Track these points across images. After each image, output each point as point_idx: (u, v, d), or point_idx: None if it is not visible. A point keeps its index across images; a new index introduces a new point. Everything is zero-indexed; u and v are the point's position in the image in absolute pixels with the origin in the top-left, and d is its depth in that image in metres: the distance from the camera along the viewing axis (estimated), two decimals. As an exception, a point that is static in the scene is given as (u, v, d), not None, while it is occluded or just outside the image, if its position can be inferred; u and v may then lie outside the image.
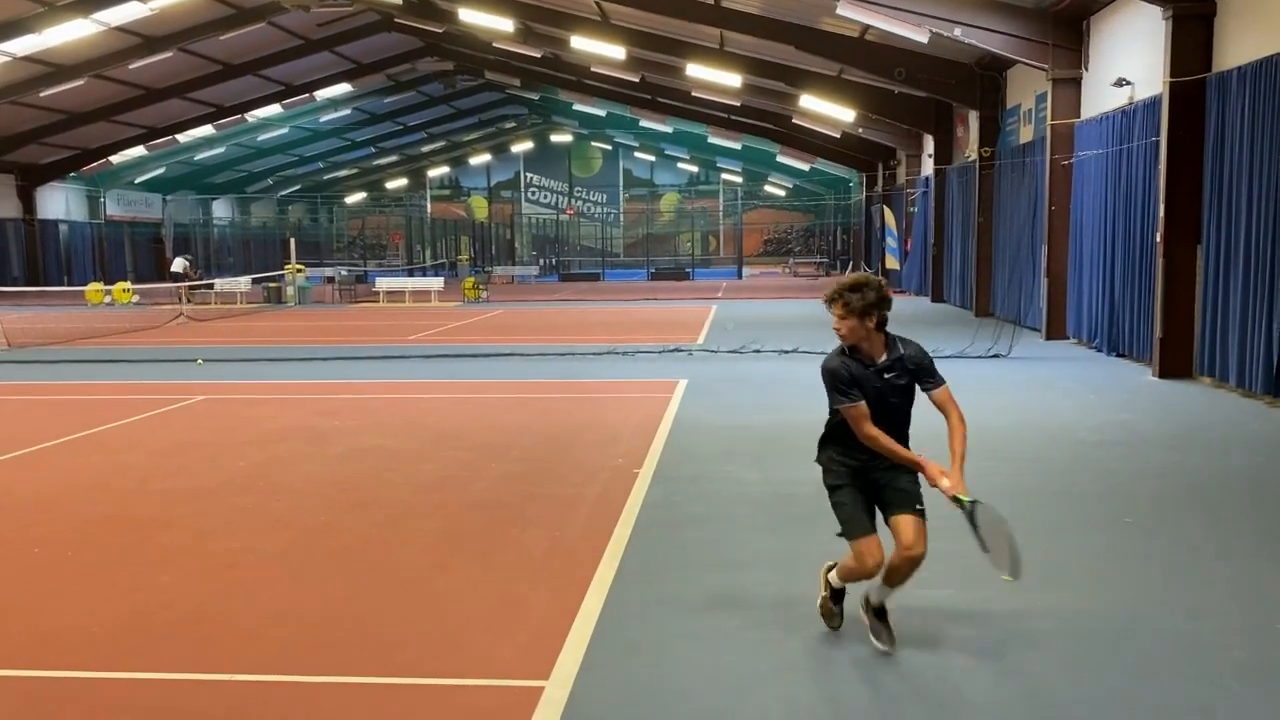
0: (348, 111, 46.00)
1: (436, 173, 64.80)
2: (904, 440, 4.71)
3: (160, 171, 47.15)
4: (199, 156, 46.97)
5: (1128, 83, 15.11)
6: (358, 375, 14.70)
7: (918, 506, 4.66)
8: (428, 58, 39.05)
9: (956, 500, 4.60)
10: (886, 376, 4.61)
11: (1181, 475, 8.18)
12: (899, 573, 4.64)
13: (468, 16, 27.39)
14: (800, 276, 47.18)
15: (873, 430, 4.58)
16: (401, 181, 64.28)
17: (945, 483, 4.58)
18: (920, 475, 4.67)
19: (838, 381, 4.60)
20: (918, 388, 4.69)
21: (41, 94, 30.85)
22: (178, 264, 35.03)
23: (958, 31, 17.30)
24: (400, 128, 52.57)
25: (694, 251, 56.24)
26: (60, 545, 6.58)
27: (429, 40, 36.20)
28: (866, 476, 4.72)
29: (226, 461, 8.92)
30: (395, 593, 5.63)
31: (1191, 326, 12.99)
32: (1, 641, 5.03)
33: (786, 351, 16.20)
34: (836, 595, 4.92)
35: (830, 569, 4.93)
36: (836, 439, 4.78)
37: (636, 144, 59.23)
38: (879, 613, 4.75)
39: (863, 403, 4.56)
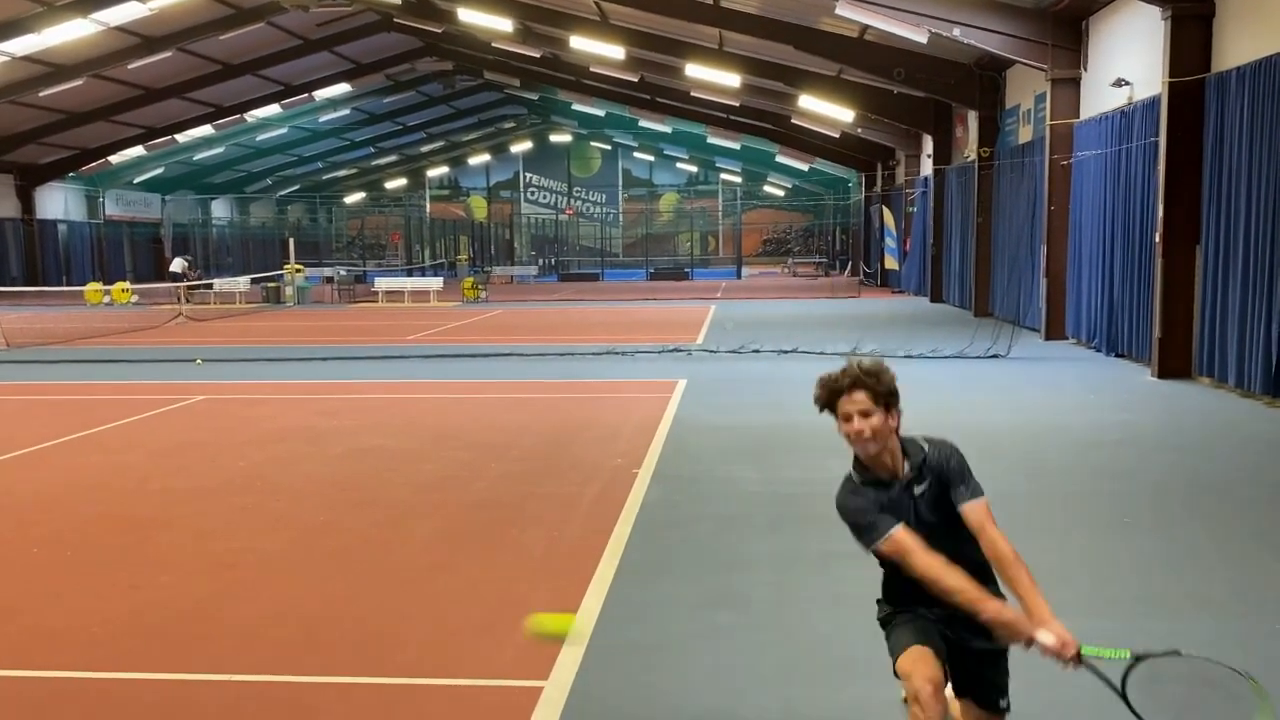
0: (347, 111, 46.00)
1: (435, 173, 64.79)
2: (981, 579, 3.33)
3: (159, 171, 47.14)
4: (198, 156, 46.96)
5: (1127, 83, 15.12)
6: (357, 375, 14.70)
7: (1001, 704, 3.49)
8: (427, 58, 39.05)
9: (1082, 659, 3.16)
10: (917, 492, 3.37)
11: (1180, 475, 8.19)
12: None
13: (467, 16, 27.39)
14: (799, 276, 47.20)
15: (929, 559, 3.25)
16: (400, 181, 64.27)
17: (1048, 637, 3.12)
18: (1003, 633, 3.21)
19: (864, 518, 3.34)
20: None
21: (41, 94, 30.84)
22: (177, 264, 35.03)
23: (956, 31, 17.30)
24: (399, 128, 52.57)
25: (693, 251, 56.26)
26: (60, 545, 6.58)
27: (428, 40, 36.20)
28: (954, 630, 3.38)
29: (226, 461, 8.92)
30: (394, 593, 5.63)
31: (1190, 326, 13.00)
32: (1, 641, 5.03)
33: (786, 351, 16.20)
34: None
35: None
36: (898, 592, 3.49)
37: (635, 144, 59.24)
38: None
39: (900, 527, 3.29)
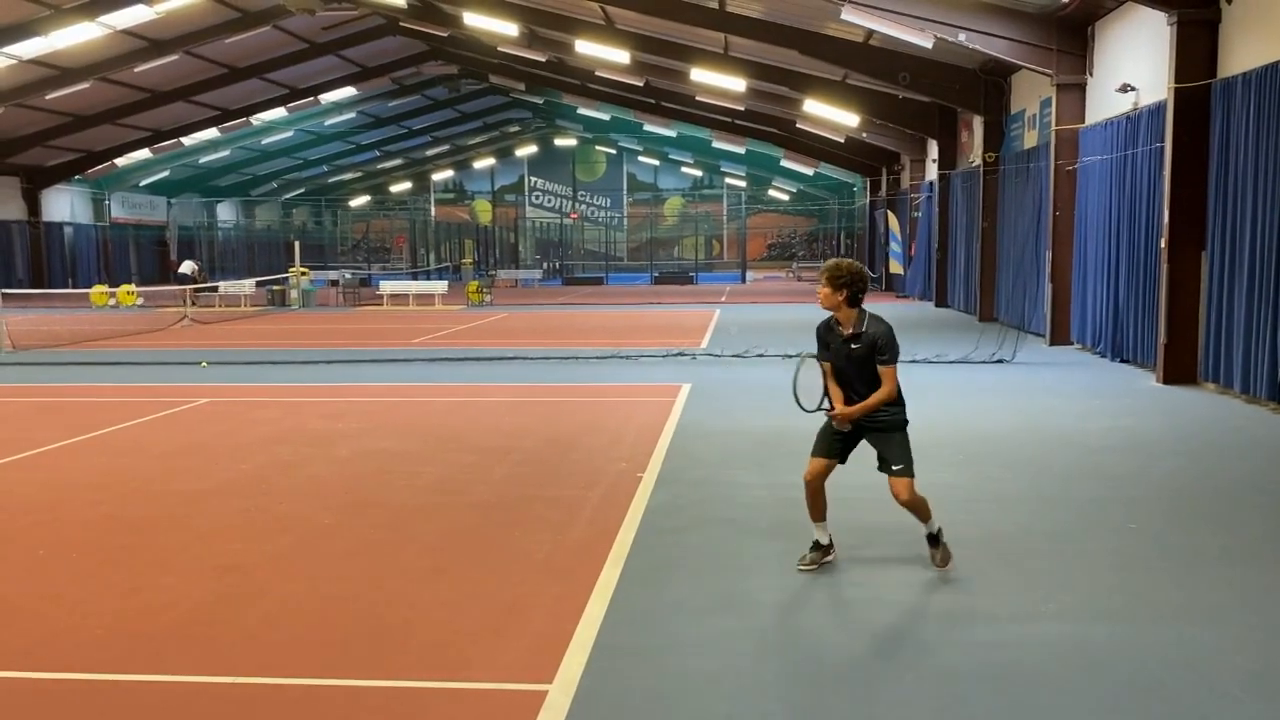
0: (352, 115, 46.09)
1: (441, 176, 64.91)
2: (862, 398, 5.80)
3: (165, 174, 47.26)
4: (204, 159, 47.07)
5: (1132, 88, 15.11)
6: (361, 378, 14.71)
7: (894, 467, 5.79)
8: (432, 61, 39.12)
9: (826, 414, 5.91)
10: (852, 346, 5.76)
11: (1186, 481, 8.17)
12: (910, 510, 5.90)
13: (472, 20, 27.43)
14: (804, 281, 47.16)
15: (830, 382, 5.90)
16: (406, 185, 64.39)
17: (846, 413, 5.79)
18: (892, 437, 5.83)
19: (816, 339, 5.96)
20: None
21: (47, 97, 30.94)
22: (186, 266, 35.05)
23: (962, 37, 17.30)
24: (405, 131, 52.66)
25: (697, 256, 56.27)
26: (64, 546, 6.59)
27: (434, 44, 36.27)
28: (858, 426, 5.87)
29: (230, 464, 8.93)
30: (398, 595, 5.63)
31: (1196, 332, 12.97)
32: (5, 642, 5.04)
33: (790, 356, 16.18)
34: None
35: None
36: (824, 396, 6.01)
37: (640, 148, 59.31)
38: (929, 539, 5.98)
39: (827, 363, 5.88)
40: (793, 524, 6.95)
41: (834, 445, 5.90)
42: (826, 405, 5.87)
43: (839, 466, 5.98)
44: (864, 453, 6.12)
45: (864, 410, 5.73)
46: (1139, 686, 4.43)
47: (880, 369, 5.70)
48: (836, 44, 22.25)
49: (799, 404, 5.85)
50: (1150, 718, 4.16)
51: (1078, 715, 4.18)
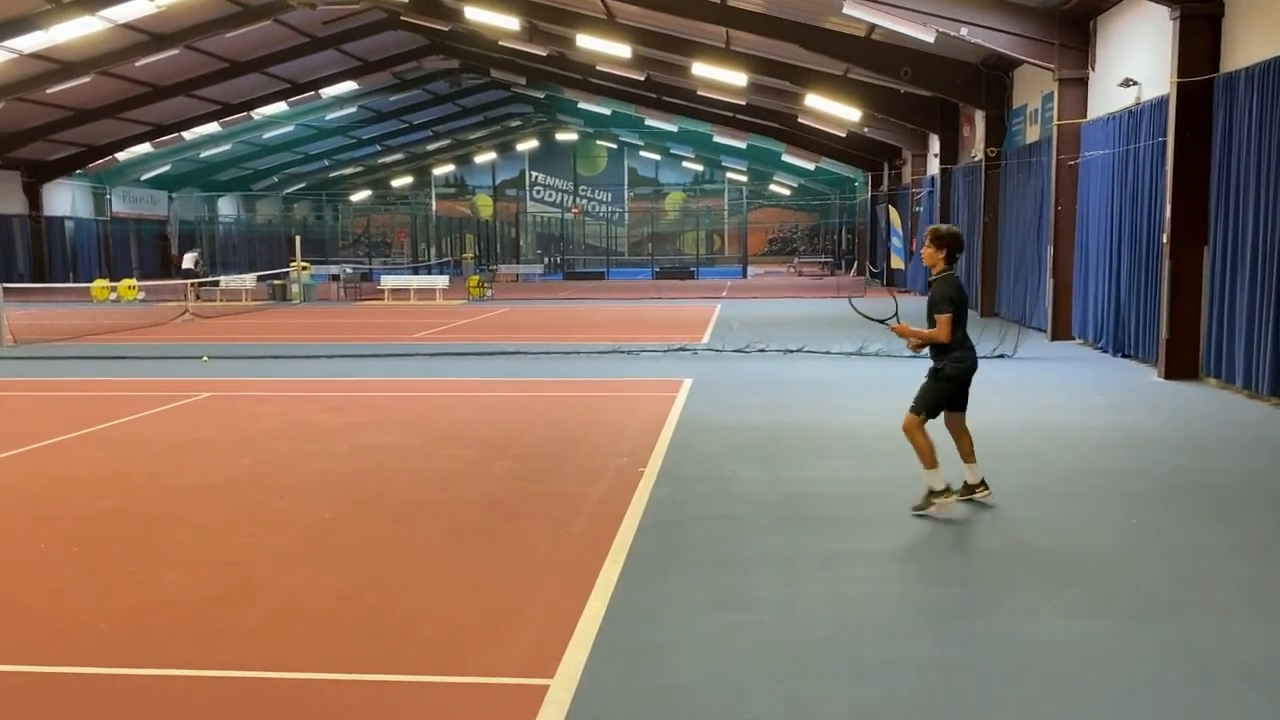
0: (353, 109, 46.03)
1: (442, 171, 64.84)
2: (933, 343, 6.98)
3: (166, 168, 47.22)
4: (205, 154, 47.03)
5: (1134, 83, 15.09)
6: (362, 373, 14.72)
7: (912, 404, 6.93)
8: (433, 56, 39.05)
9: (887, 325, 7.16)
10: (929, 294, 7.01)
11: (1187, 477, 8.16)
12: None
13: (473, 14, 27.40)
14: (805, 276, 47.16)
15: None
16: (407, 179, 64.33)
17: (905, 328, 7.03)
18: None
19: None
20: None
21: (48, 91, 30.90)
22: (188, 259, 35.03)
23: (964, 31, 17.27)
24: (405, 126, 52.60)
25: (698, 250, 56.21)
26: (66, 541, 6.59)
27: (435, 38, 36.21)
28: None
29: (231, 458, 8.93)
30: (399, 590, 5.63)
31: (1198, 328, 12.96)
32: (7, 637, 5.05)
33: (791, 351, 16.19)
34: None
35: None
36: None
37: (642, 143, 59.22)
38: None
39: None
40: (794, 519, 6.96)
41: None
42: (893, 321, 7.06)
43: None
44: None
45: (912, 334, 6.96)
46: (1141, 682, 4.43)
47: (936, 316, 6.81)
48: (838, 38, 22.22)
49: (866, 316, 7.30)
50: (1153, 714, 4.16)
51: (1080, 711, 4.18)
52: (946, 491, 6.85)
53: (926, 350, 7.04)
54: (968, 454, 7.05)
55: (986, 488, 7.06)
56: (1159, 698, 4.29)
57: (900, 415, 7.11)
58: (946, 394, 6.91)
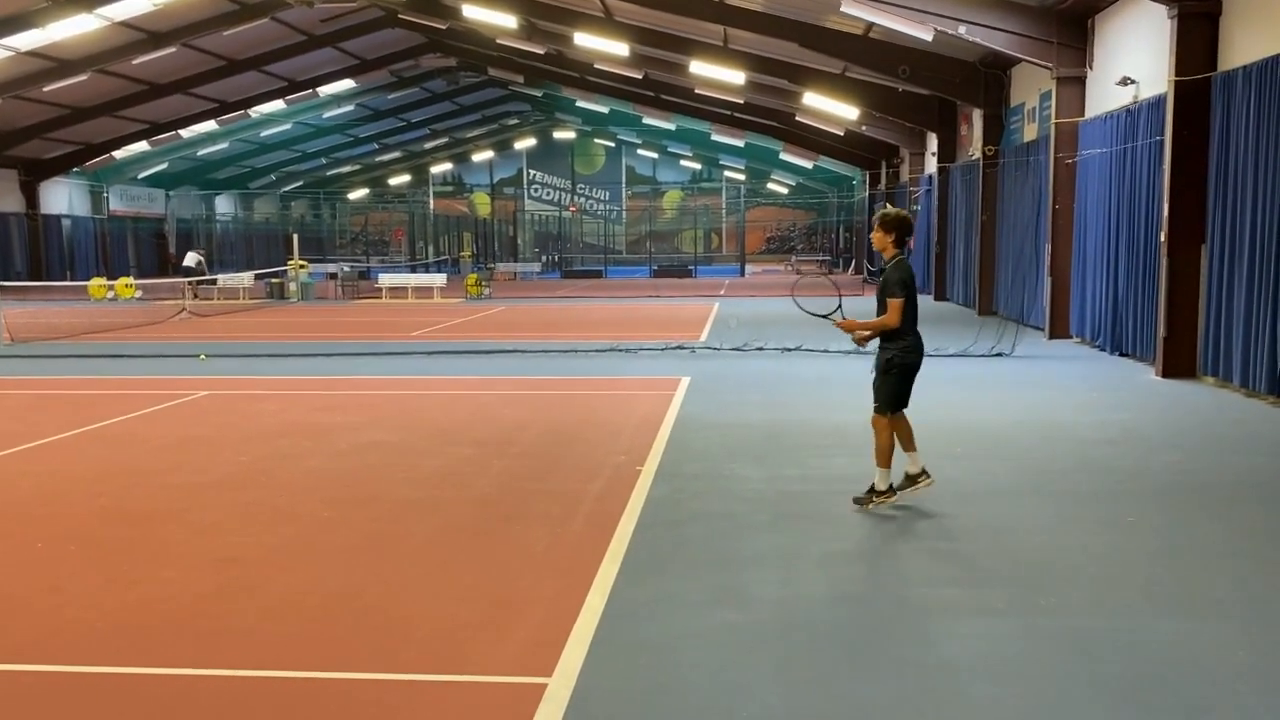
0: (351, 107, 45.98)
1: (439, 169, 64.79)
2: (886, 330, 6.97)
3: (163, 167, 47.16)
4: (202, 152, 46.97)
5: (1132, 81, 15.09)
6: (360, 371, 14.71)
7: (874, 404, 6.95)
8: (431, 54, 39.00)
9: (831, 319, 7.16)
10: (877, 279, 7.03)
11: (1185, 475, 8.17)
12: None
13: (471, 13, 27.37)
14: (803, 274, 47.13)
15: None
16: (404, 178, 64.28)
17: (851, 323, 7.06)
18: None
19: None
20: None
21: (45, 89, 30.84)
22: (190, 258, 34.98)
23: (962, 29, 17.26)
24: (403, 124, 52.55)
25: (696, 249, 56.20)
26: (63, 539, 6.58)
27: (432, 36, 36.16)
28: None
29: (228, 456, 8.92)
30: (397, 589, 5.63)
31: (1195, 326, 12.97)
32: (4, 635, 5.04)
33: (789, 349, 16.19)
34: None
35: None
36: None
37: (639, 141, 59.19)
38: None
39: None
40: (792, 517, 6.96)
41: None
42: (838, 316, 7.08)
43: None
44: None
45: (861, 325, 6.97)
46: (1138, 680, 4.43)
47: (888, 301, 6.78)
48: (836, 37, 22.20)
49: (807, 311, 7.33)
50: (1150, 711, 4.16)
51: (1077, 709, 4.18)
52: (889, 492, 6.92)
53: (874, 344, 7.05)
54: (907, 443, 7.02)
55: (928, 476, 7.03)
56: (1158, 695, 4.29)
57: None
58: (903, 384, 6.92)
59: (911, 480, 7.01)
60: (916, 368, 6.98)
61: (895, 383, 6.87)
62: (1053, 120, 17.70)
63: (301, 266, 32.87)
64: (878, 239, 6.93)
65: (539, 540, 6.44)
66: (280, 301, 31.32)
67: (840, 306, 7.11)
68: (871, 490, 6.95)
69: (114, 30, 27.68)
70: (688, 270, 47.06)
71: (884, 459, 6.88)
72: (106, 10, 25.88)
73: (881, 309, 6.87)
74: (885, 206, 7.08)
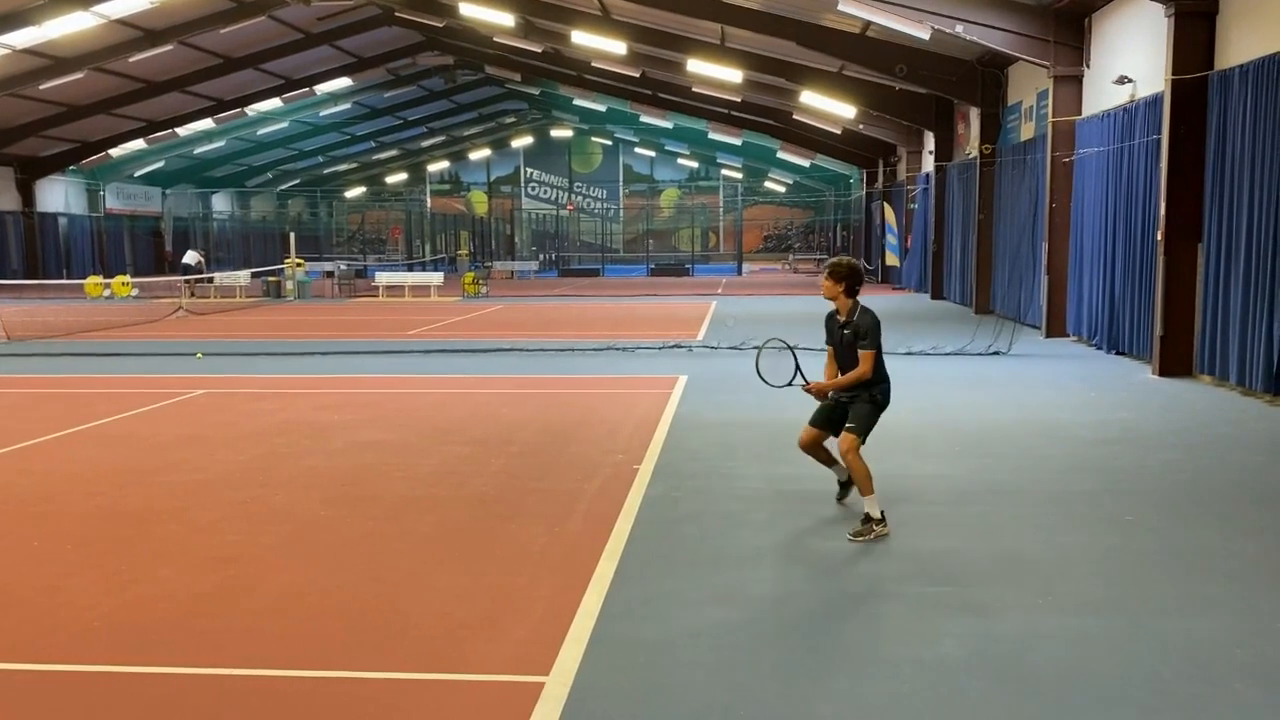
0: (348, 106, 45.92)
1: (436, 167, 64.74)
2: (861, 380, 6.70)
3: (160, 165, 47.08)
4: (199, 150, 46.91)
5: (1129, 80, 15.10)
6: (357, 370, 14.69)
7: (847, 425, 6.69)
8: (428, 52, 38.98)
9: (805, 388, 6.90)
10: (844, 332, 6.70)
11: (1182, 473, 8.18)
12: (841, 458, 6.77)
13: (468, 11, 27.35)
14: (800, 273, 47.16)
15: (830, 363, 6.93)
16: (401, 176, 64.22)
17: (818, 385, 6.84)
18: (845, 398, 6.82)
19: (825, 326, 6.93)
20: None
21: (41, 86, 30.78)
22: (190, 256, 34.92)
23: (959, 28, 17.27)
24: (400, 122, 52.50)
25: (694, 247, 56.20)
26: (60, 538, 6.57)
27: (429, 34, 36.14)
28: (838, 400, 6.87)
29: (225, 455, 8.91)
30: (394, 587, 5.63)
31: (1192, 324, 12.99)
32: (1, 635, 5.03)
33: (786, 349, 16.15)
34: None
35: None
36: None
37: (637, 139, 59.17)
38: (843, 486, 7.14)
39: (830, 346, 6.89)
40: (789, 516, 6.96)
41: (819, 415, 6.93)
42: (800, 381, 6.92)
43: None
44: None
45: (835, 386, 6.76)
46: (1136, 678, 4.44)
47: (860, 353, 6.59)
48: (834, 35, 22.21)
49: (765, 381, 7.06)
50: (1147, 710, 4.16)
51: (1074, 707, 4.18)
52: (883, 520, 6.46)
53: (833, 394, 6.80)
54: (832, 459, 7.04)
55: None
56: (1155, 693, 4.29)
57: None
58: (877, 417, 6.72)
59: (847, 488, 7.08)
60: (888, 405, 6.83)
61: (875, 413, 6.68)
62: (1050, 119, 17.71)
63: (298, 265, 32.84)
64: (828, 288, 6.69)
65: (536, 539, 6.43)
66: (277, 300, 31.29)
67: (799, 369, 6.93)
68: (867, 520, 6.46)
69: (110, 28, 27.63)
70: (685, 269, 47.07)
71: (868, 485, 6.49)
72: (103, 8, 25.83)
73: (852, 358, 6.64)
74: (839, 258, 6.92)
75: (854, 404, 6.70)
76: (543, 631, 4.93)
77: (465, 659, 4.69)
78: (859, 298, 6.71)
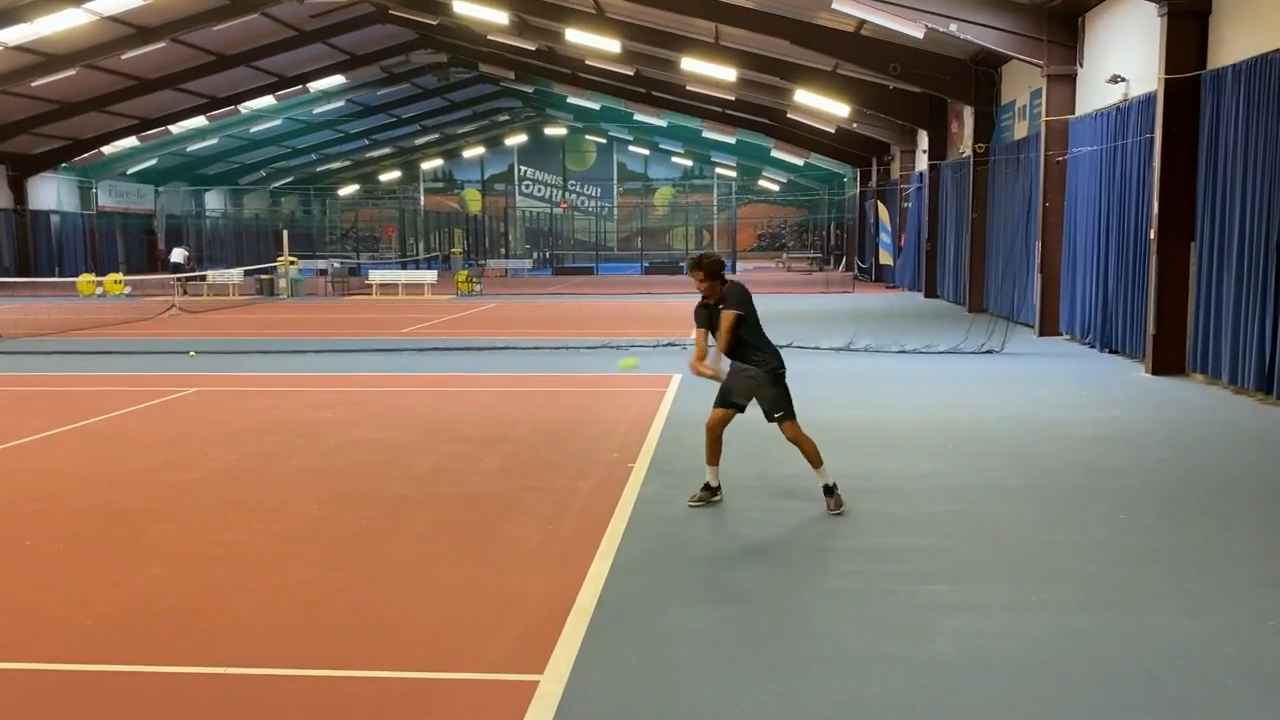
0: (341, 103, 45.80)
1: (430, 165, 64.59)
2: (739, 348, 6.93)
3: (152, 163, 46.93)
4: (191, 148, 46.75)
5: (1122, 79, 15.13)
6: (351, 368, 14.67)
7: (775, 415, 6.90)
8: (422, 50, 38.90)
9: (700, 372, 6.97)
10: (718, 308, 6.90)
11: (1174, 471, 8.20)
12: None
13: (462, 9, 27.30)
14: (794, 271, 47.19)
15: (701, 340, 7.08)
16: (395, 174, 64.07)
17: (698, 366, 6.92)
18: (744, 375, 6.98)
19: (695, 314, 7.14)
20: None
21: (33, 84, 30.65)
22: (177, 254, 34.82)
23: (953, 27, 17.29)
24: (394, 120, 52.38)
25: (688, 246, 56.16)
26: (52, 537, 6.55)
27: (423, 32, 36.07)
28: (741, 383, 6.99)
29: (219, 454, 8.89)
30: (388, 586, 5.62)
31: (1184, 323, 13.02)
32: (-7, 634, 5.01)
33: (780, 346, 16.15)
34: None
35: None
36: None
37: (631, 138, 59.12)
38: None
39: (698, 329, 7.10)
40: (782, 514, 6.97)
41: (723, 397, 7.05)
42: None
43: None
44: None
45: (704, 366, 6.94)
46: (1128, 675, 4.45)
47: (723, 314, 6.80)
48: (827, 34, 22.21)
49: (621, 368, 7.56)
50: (1140, 707, 4.17)
51: (1067, 704, 4.20)
52: (836, 497, 6.88)
53: (728, 363, 7.00)
54: (714, 456, 7.10)
55: (721, 494, 7.18)
56: (1146, 691, 4.31)
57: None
58: (785, 388, 6.96)
59: (711, 492, 7.10)
60: (785, 373, 7.00)
61: (783, 389, 6.92)
62: (1043, 118, 17.75)
63: (291, 263, 32.77)
64: (696, 281, 6.98)
65: (531, 537, 6.43)
66: (270, 298, 31.23)
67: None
68: (832, 490, 6.89)
69: (102, 25, 27.52)
70: (679, 267, 47.02)
71: (818, 457, 6.89)
72: (94, 5, 25.71)
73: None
74: (697, 254, 7.29)
75: (760, 390, 6.86)
76: (537, 630, 4.93)
77: (459, 657, 4.68)
78: (725, 278, 7.02)
